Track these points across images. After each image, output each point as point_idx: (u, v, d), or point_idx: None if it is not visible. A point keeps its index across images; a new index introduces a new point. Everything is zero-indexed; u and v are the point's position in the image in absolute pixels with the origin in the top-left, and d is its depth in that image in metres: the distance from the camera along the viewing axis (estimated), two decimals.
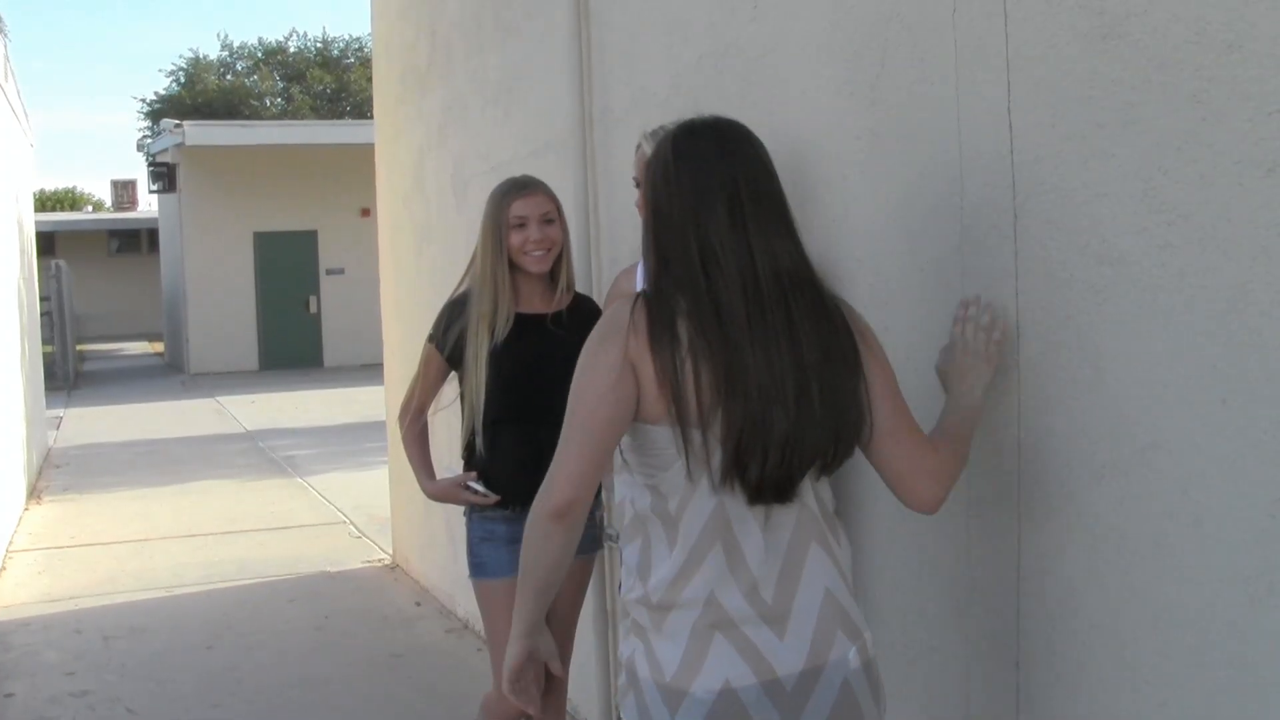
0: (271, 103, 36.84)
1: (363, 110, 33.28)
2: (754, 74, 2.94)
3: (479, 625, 4.73)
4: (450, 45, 5.56)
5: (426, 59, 5.98)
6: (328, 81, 36.87)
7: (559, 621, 3.33)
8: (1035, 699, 2.15)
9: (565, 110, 4.04)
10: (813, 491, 1.96)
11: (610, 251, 3.89)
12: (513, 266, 3.17)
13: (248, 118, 32.26)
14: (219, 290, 20.89)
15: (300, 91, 36.56)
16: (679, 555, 1.90)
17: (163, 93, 36.96)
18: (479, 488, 3.19)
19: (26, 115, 13.72)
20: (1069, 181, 1.99)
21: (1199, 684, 1.81)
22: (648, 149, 2.63)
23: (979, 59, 2.18)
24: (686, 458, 1.86)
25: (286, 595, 6.46)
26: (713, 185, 1.90)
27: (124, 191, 40.98)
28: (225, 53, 38.42)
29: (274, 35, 72.47)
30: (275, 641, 5.61)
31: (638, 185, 2.86)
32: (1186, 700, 1.84)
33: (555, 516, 1.88)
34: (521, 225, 3.14)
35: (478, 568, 3.26)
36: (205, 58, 37.19)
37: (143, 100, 41.85)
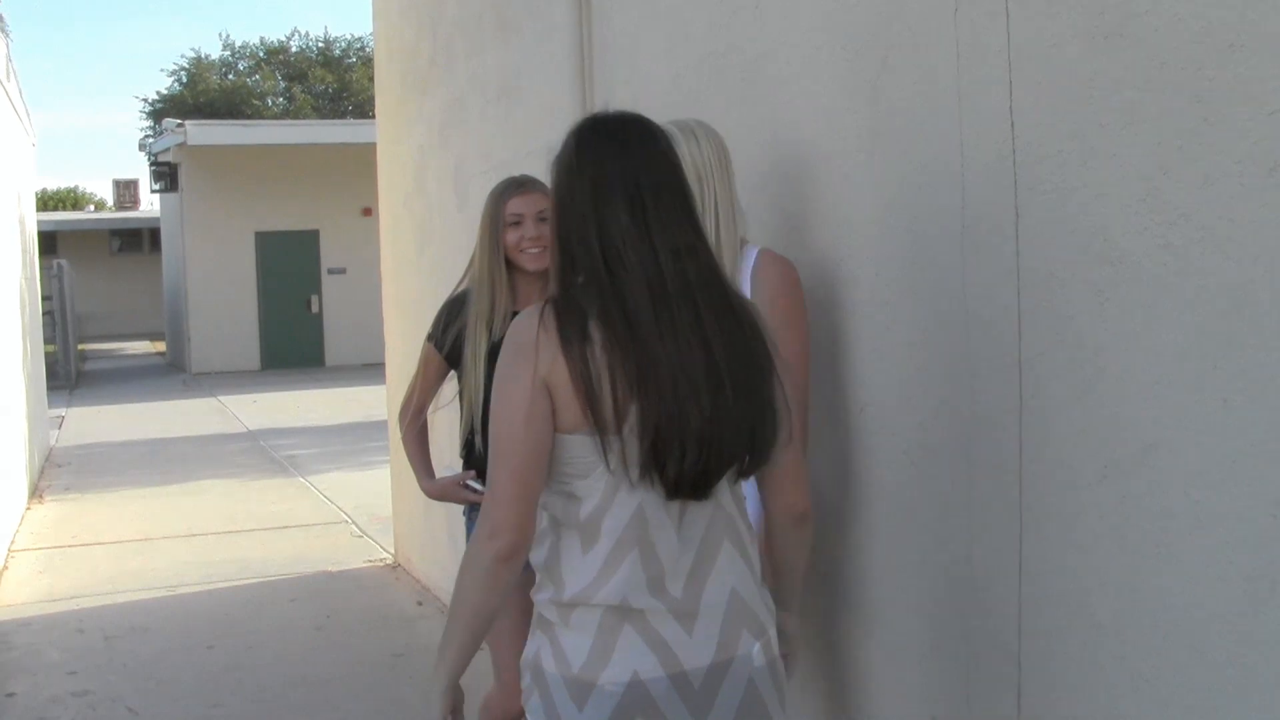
0: (273, 102, 36.87)
1: (364, 110, 33.30)
2: (754, 74, 2.94)
3: None
4: (451, 45, 5.56)
5: (427, 59, 5.97)
6: (329, 81, 36.89)
7: None
8: (1036, 699, 2.14)
9: (565, 110, 4.04)
10: (729, 492, 1.96)
11: None
12: (511, 265, 3.17)
13: (249, 117, 32.30)
14: (221, 289, 20.90)
15: (302, 91, 36.59)
16: (596, 559, 1.88)
17: (165, 92, 37.01)
18: (478, 486, 3.18)
19: (28, 114, 13.72)
20: (1070, 181, 1.99)
21: (1199, 684, 1.81)
22: None
23: (980, 59, 2.18)
24: (606, 460, 1.84)
25: (288, 595, 6.46)
26: (613, 181, 1.89)
27: (126, 191, 41.00)
28: (227, 52, 38.46)
29: (276, 35, 72.53)
30: (276, 641, 5.61)
31: None
32: (1186, 700, 1.83)
33: (502, 560, 1.84)
34: (517, 223, 3.14)
35: None
36: (207, 57, 37.23)
37: (145, 100, 41.81)
